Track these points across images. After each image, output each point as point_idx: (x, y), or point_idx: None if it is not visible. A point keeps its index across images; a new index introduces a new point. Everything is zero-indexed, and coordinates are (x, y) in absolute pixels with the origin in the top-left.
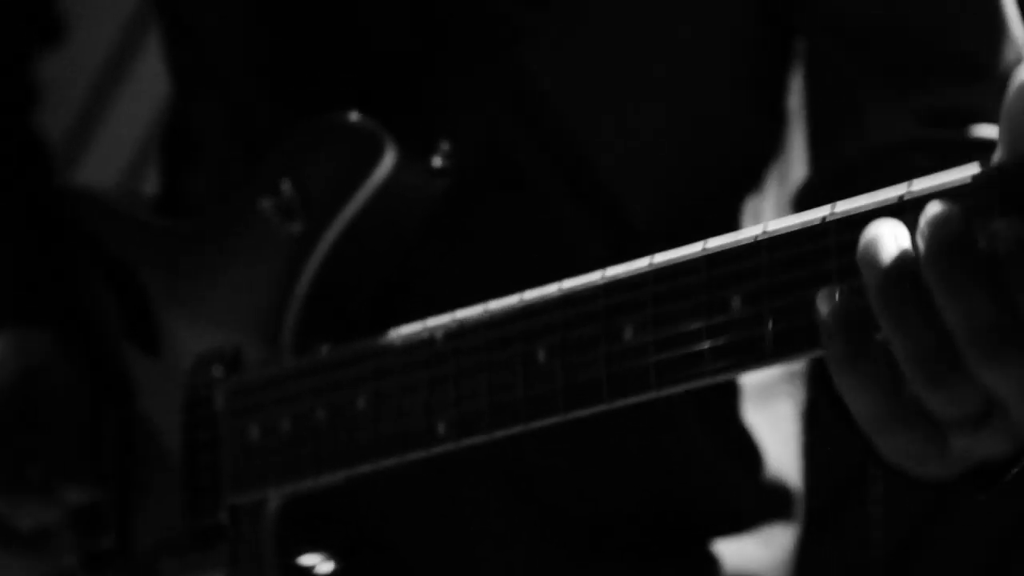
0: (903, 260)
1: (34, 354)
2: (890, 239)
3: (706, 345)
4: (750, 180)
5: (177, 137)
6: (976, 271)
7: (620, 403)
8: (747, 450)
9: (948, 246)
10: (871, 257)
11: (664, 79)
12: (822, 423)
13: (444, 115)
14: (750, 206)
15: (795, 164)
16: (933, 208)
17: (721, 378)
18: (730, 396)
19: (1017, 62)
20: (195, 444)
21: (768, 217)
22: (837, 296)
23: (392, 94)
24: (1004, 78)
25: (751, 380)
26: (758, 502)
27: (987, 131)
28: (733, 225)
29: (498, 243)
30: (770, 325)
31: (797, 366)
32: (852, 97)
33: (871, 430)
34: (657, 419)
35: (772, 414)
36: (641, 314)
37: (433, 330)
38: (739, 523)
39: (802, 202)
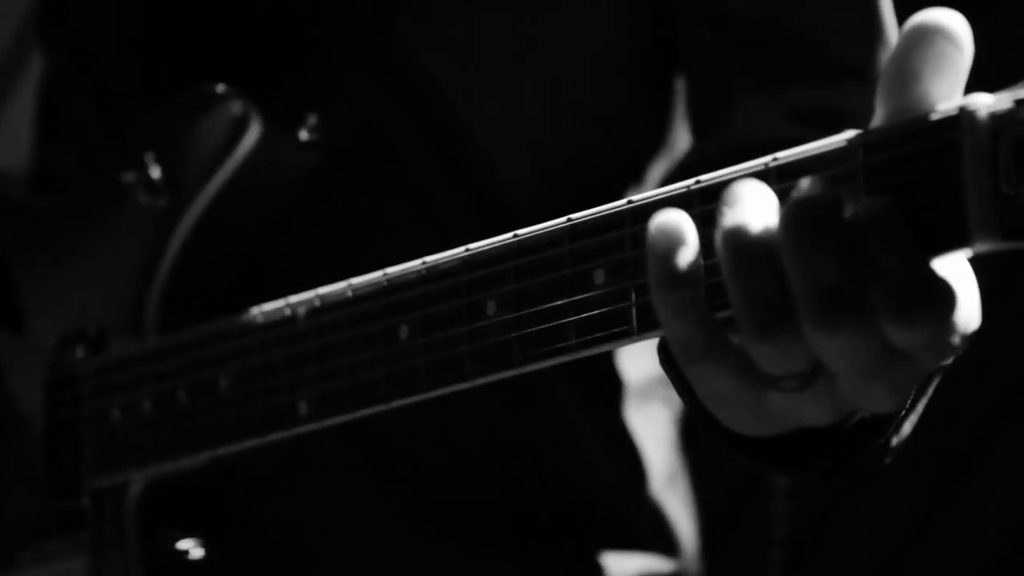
0: (760, 212)
1: None
2: (753, 192)
3: (570, 318)
4: (632, 172)
5: (47, 111)
6: (825, 234)
7: (483, 380)
8: (631, 456)
9: (801, 205)
10: (731, 202)
11: (547, 63)
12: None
13: (314, 89)
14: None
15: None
16: (802, 177)
17: (584, 353)
18: (614, 394)
19: None
20: (56, 426)
21: None
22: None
23: (262, 67)
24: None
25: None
26: (643, 517)
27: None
28: None
29: (368, 219)
30: (634, 298)
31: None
32: (724, 87)
33: (683, 360)
34: (536, 413)
35: (648, 417)
36: (504, 288)
37: (295, 307)
38: (625, 537)
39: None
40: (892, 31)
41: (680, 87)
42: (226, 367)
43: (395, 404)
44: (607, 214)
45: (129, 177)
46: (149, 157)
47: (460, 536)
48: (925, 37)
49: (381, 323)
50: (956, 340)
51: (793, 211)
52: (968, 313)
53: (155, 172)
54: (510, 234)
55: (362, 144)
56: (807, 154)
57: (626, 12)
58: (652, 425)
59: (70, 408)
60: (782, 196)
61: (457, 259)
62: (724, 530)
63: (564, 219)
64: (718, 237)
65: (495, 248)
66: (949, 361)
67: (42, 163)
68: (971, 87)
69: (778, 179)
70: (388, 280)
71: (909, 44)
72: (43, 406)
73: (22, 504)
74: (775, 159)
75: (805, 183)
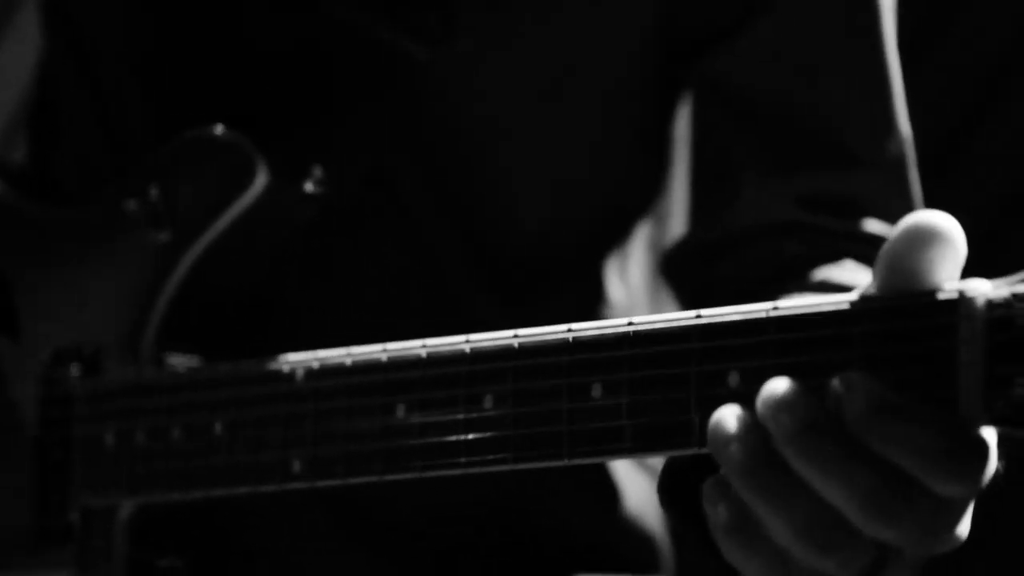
0: (755, 445)
1: None
2: (735, 424)
3: (563, 428)
4: (617, 230)
5: (44, 113)
6: (841, 444)
7: (477, 470)
8: (600, 482)
9: (802, 427)
10: (720, 447)
11: (552, 110)
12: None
13: (322, 141)
14: (616, 254)
15: (672, 214)
16: (773, 389)
17: (576, 462)
18: None
19: (899, 156)
20: (49, 442)
21: (633, 266)
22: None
23: (271, 113)
24: (886, 169)
25: None
26: (619, 541)
27: (868, 225)
28: (596, 273)
29: (371, 271)
30: (626, 417)
31: None
32: (732, 168)
33: (729, 550)
34: None
35: None
36: (502, 385)
37: (294, 365)
38: (603, 561)
39: (671, 264)
40: (903, 123)
41: (682, 161)
42: (222, 414)
43: (388, 478)
44: (609, 333)
45: (132, 205)
46: (153, 189)
47: (432, 573)
48: (922, 240)
49: (378, 398)
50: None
51: (796, 436)
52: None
53: (158, 204)
54: (511, 333)
55: (369, 197)
56: (809, 310)
57: (634, 69)
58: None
59: (62, 427)
60: (783, 348)
61: (458, 349)
62: None
63: (565, 328)
64: (735, 485)
65: (497, 346)
66: None
67: (37, 165)
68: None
69: (777, 329)
70: (388, 357)
71: (906, 246)
72: (36, 421)
73: (6, 516)
74: (775, 308)
75: (788, 403)
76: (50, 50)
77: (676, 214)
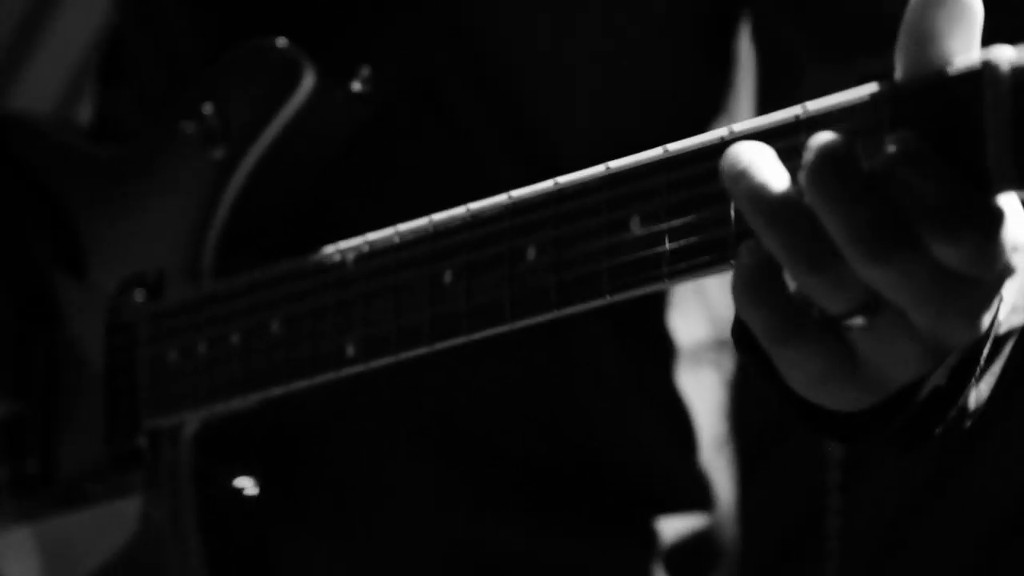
0: (774, 170)
1: None
2: (759, 153)
3: (603, 265)
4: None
5: (110, 62)
6: (852, 179)
7: (522, 323)
8: (680, 421)
9: (821, 158)
10: (742, 164)
11: (603, 21)
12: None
13: (368, 41)
14: None
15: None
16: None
17: (619, 297)
18: (664, 357)
19: None
20: (115, 368)
21: None
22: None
23: (316, 19)
24: None
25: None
26: (689, 482)
27: None
28: None
29: (417, 171)
30: (667, 244)
31: (724, 334)
32: (795, 60)
33: (769, 345)
34: (582, 375)
35: (698, 381)
36: (543, 234)
37: (344, 252)
38: (670, 501)
39: None
40: None
41: (742, 55)
42: (278, 311)
43: (437, 346)
44: (645, 162)
45: (187, 127)
46: (207, 107)
47: (502, 500)
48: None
49: (426, 268)
50: (1006, 255)
51: (815, 166)
52: (1017, 229)
53: (213, 121)
54: (550, 181)
55: (413, 96)
56: (835, 106)
57: None
58: (702, 390)
59: (128, 351)
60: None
61: (500, 206)
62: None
63: (603, 167)
64: (742, 201)
65: (536, 195)
66: (1009, 278)
67: (103, 107)
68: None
69: (808, 130)
70: (434, 226)
71: (923, 5)
72: (104, 348)
73: (80, 444)
74: (804, 109)
75: (818, 138)
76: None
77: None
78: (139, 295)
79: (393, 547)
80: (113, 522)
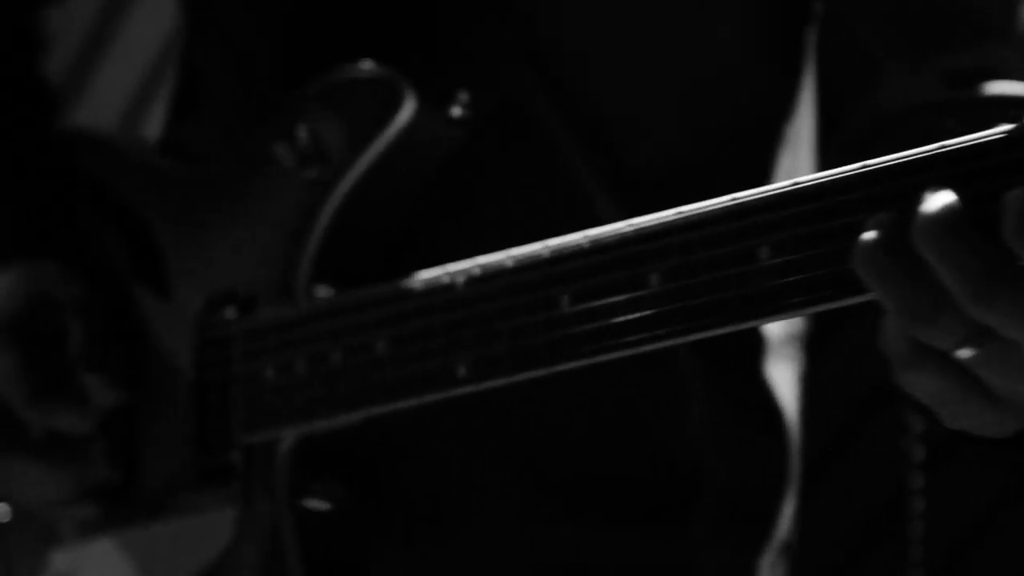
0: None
1: (45, 279)
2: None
3: (731, 293)
4: (760, 138)
5: (183, 94)
6: (966, 237)
7: (645, 348)
8: (770, 415)
9: (940, 218)
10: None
11: (677, 30)
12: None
13: (460, 64)
14: (757, 164)
15: (802, 140)
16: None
17: (745, 326)
18: (753, 356)
19: None
20: (207, 384)
21: (778, 177)
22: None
23: (406, 43)
24: (1018, 37)
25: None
26: (744, 482)
27: (1006, 87)
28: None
29: (506, 192)
30: (795, 275)
31: (797, 328)
32: (872, 57)
33: (899, 369)
34: (667, 384)
35: (778, 376)
36: (668, 262)
37: (454, 275)
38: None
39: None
40: None
41: (813, 49)
42: (384, 331)
43: (556, 368)
44: (773, 195)
45: (280, 148)
46: (301, 130)
47: (580, 506)
48: None
49: (542, 292)
50: None
51: (931, 227)
52: None
53: (306, 143)
54: (673, 211)
55: (503, 118)
56: (967, 144)
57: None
58: (782, 384)
59: (221, 368)
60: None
61: (619, 234)
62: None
63: (728, 198)
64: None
65: (660, 224)
66: None
67: (173, 130)
68: None
69: (947, 165)
70: (551, 251)
71: None
72: (193, 365)
73: (168, 458)
74: (942, 147)
75: (934, 200)
76: (190, 25)
77: (805, 140)
78: (230, 312)
79: (482, 559)
80: (202, 535)
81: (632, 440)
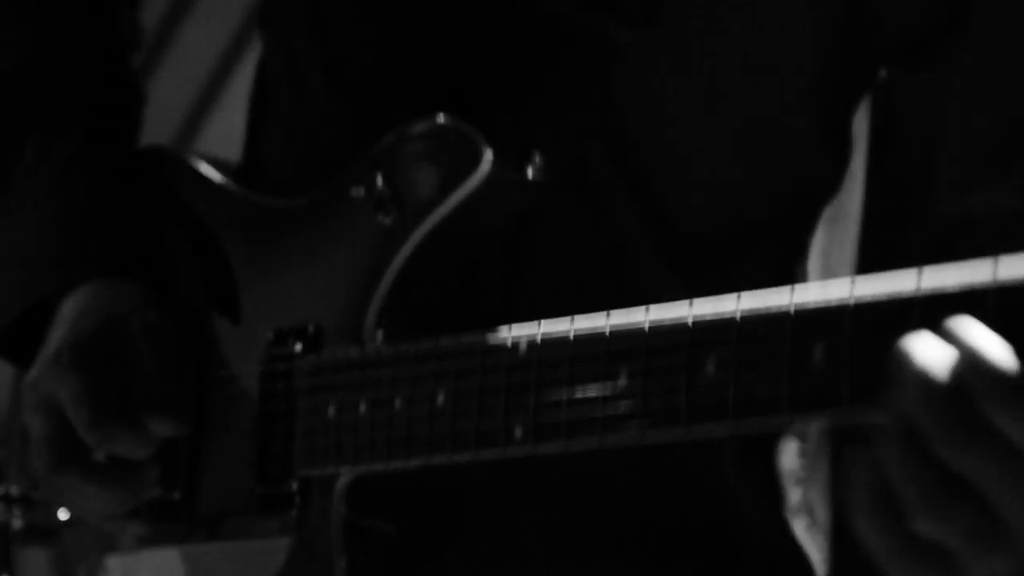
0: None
1: (123, 301)
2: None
3: (783, 391)
4: (802, 210)
5: (258, 102)
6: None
7: (698, 430)
8: (768, 482)
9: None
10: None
11: (744, 108)
12: None
13: (536, 126)
14: (791, 243)
15: (849, 214)
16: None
17: (798, 422)
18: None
19: None
20: (270, 414)
21: (816, 250)
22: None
23: (485, 99)
24: None
25: None
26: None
27: None
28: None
29: (566, 251)
30: (844, 380)
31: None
32: (935, 165)
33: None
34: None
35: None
36: (724, 351)
37: (517, 338)
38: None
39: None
40: None
41: (860, 163)
42: (445, 384)
43: (608, 442)
44: (832, 306)
45: (358, 191)
46: (379, 177)
47: (632, 553)
48: None
49: (601, 368)
50: None
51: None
52: None
53: (383, 191)
54: (732, 305)
55: (569, 181)
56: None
57: (822, 56)
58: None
59: (285, 399)
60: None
61: (680, 321)
62: None
63: (786, 297)
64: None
65: (717, 317)
66: None
67: (250, 148)
68: None
69: (996, 298)
70: (611, 328)
71: None
72: (258, 394)
73: (226, 481)
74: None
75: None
76: (267, 49)
77: (852, 214)
78: (297, 345)
79: None
80: (255, 560)
81: (680, 493)
